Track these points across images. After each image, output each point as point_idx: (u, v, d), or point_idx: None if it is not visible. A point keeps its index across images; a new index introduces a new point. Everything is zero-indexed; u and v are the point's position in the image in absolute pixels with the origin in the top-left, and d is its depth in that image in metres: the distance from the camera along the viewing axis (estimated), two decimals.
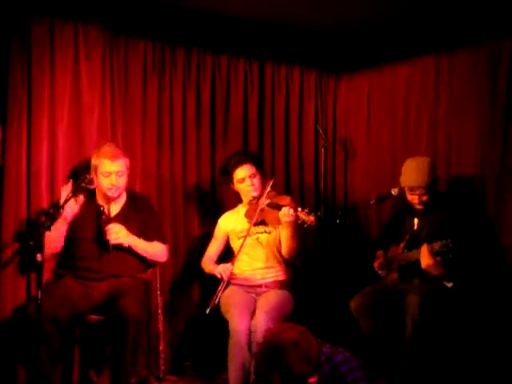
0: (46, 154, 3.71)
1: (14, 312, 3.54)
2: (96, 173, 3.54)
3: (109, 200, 3.62)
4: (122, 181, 3.59)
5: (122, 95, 4.04)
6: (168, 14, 4.11)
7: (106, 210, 3.59)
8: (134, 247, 3.59)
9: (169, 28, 4.17)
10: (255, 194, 3.84)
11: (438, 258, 3.49)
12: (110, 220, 3.56)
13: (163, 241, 3.76)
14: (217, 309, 3.68)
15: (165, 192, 4.21)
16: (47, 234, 3.13)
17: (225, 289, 3.66)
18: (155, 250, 3.71)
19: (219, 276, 3.70)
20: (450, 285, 3.59)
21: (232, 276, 3.78)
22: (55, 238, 3.46)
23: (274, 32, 4.51)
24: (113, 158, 3.52)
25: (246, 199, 3.92)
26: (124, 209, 3.67)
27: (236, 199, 4.06)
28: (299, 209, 3.59)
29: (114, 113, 3.99)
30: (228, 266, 3.72)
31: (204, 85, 4.35)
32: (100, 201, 3.64)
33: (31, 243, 3.23)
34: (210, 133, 4.38)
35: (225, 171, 3.97)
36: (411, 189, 3.73)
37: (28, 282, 3.61)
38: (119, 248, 3.54)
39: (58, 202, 3.49)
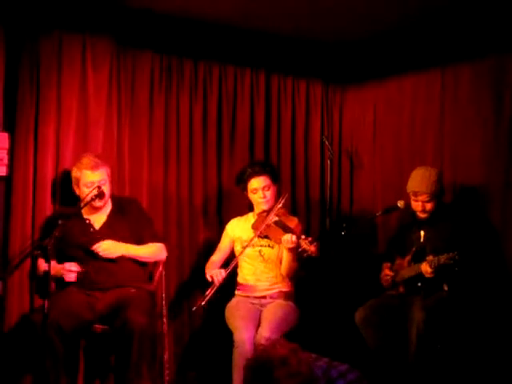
0: (52, 163, 3.74)
1: (19, 321, 3.56)
2: (78, 185, 3.54)
3: (95, 210, 3.61)
4: (106, 189, 3.58)
5: (129, 107, 4.07)
6: (175, 26, 4.15)
7: (92, 223, 3.60)
8: (128, 255, 3.59)
9: (176, 40, 4.21)
10: (265, 207, 3.85)
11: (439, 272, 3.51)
12: (97, 233, 3.57)
13: (158, 239, 3.75)
14: (220, 318, 3.71)
15: (171, 204, 4.23)
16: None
17: (215, 294, 3.65)
18: (150, 251, 3.69)
19: (210, 279, 3.73)
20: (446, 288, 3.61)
21: (238, 286, 3.82)
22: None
23: (280, 44, 4.54)
24: (93, 168, 3.52)
25: (256, 209, 3.94)
26: (110, 216, 3.66)
27: (246, 207, 4.08)
28: (303, 236, 3.60)
29: (121, 125, 4.02)
30: (221, 271, 3.73)
31: (211, 97, 4.38)
32: (84, 213, 3.62)
33: (37, 253, 3.23)
34: (216, 144, 4.41)
35: (240, 179, 3.97)
36: (415, 194, 3.74)
37: (32, 292, 3.63)
38: (112, 260, 3.54)
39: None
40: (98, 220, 3.63)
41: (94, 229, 3.60)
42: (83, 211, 3.61)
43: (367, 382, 2.51)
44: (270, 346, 2.52)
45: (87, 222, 3.61)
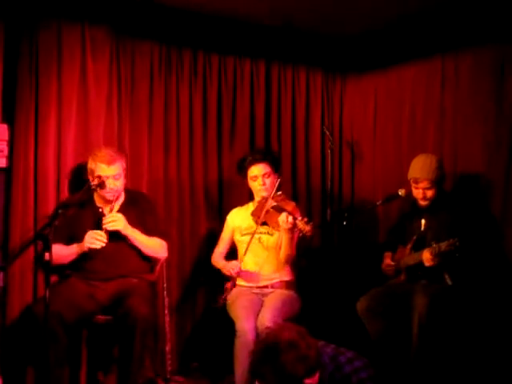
0: (53, 155, 3.73)
1: (21, 312, 3.55)
2: (93, 176, 3.53)
3: (107, 202, 3.61)
4: (120, 183, 3.59)
5: (129, 97, 4.06)
6: (174, 16, 4.13)
7: (105, 212, 3.60)
8: (132, 239, 3.58)
9: (175, 30, 4.19)
10: (265, 193, 3.85)
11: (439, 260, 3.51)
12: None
13: (164, 236, 3.75)
14: (223, 309, 3.70)
15: (172, 193, 4.22)
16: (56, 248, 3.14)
17: (233, 286, 3.73)
18: (154, 245, 3.69)
19: (229, 274, 3.76)
20: (449, 281, 3.60)
21: (239, 273, 3.82)
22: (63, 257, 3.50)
23: (280, 34, 4.53)
24: (109, 162, 3.51)
25: (256, 197, 3.94)
26: (122, 208, 3.66)
27: (247, 196, 4.08)
28: (299, 217, 3.59)
29: (121, 115, 4.01)
30: (237, 263, 3.77)
31: (210, 87, 4.37)
32: (98, 203, 3.65)
33: (39, 242, 3.23)
34: (216, 134, 4.40)
35: (241, 166, 3.98)
36: (416, 181, 3.74)
37: (35, 282, 3.63)
38: (117, 236, 3.51)
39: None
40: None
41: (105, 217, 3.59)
42: (97, 201, 3.63)
43: (374, 370, 2.51)
44: (277, 329, 2.51)
45: (100, 210, 3.61)
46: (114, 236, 3.51)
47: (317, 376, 2.43)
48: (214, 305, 3.72)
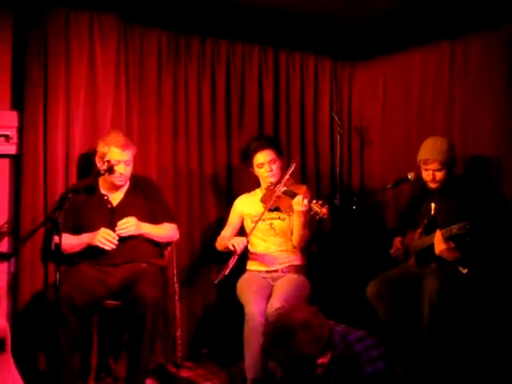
0: (62, 142, 3.73)
1: (32, 298, 3.58)
2: (103, 159, 3.52)
3: (113, 188, 3.62)
4: (130, 169, 3.61)
5: (137, 84, 4.06)
6: (182, 2, 4.12)
7: (110, 199, 3.62)
8: (146, 235, 3.61)
9: (183, 17, 4.18)
10: (273, 179, 3.85)
11: (452, 244, 3.48)
12: (115, 209, 3.58)
13: (172, 220, 3.76)
14: (233, 294, 3.71)
15: (181, 180, 4.22)
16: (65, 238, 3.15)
17: (236, 263, 3.62)
18: (166, 232, 3.72)
19: (232, 247, 3.69)
20: (465, 271, 3.57)
21: (250, 255, 3.82)
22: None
23: (288, 20, 4.50)
24: (124, 147, 3.52)
25: (263, 184, 3.93)
26: (128, 195, 3.67)
27: (255, 183, 4.07)
28: (314, 200, 3.57)
29: (130, 102, 4.01)
30: (242, 238, 3.73)
31: (219, 73, 4.36)
32: (103, 189, 3.65)
33: (49, 226, 3.24)
34: (225, 121, 4.39)
35: (245, 155, 3.98)
36: (425, 162, 3.71)
37: (45, 269, 3.65)
38: (130, 237, 3.54)
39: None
40: (115, 197, 3.65)
41: (111, 205, 3.62)
42: (101, 188, 3.62)
43: (384, 348, 2.51)
44: (289, 309, 2.51)
45: (105, 198, 3.62)
46: None
47: (329, 355, 2.44)
48: (215, 280, 3.62)
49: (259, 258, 3.87)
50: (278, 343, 2.37)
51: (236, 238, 3.78)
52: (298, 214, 3.69)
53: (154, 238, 3.67)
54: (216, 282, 3.56)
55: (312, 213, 3.55)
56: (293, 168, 3.78)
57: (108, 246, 3.44)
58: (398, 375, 2.94)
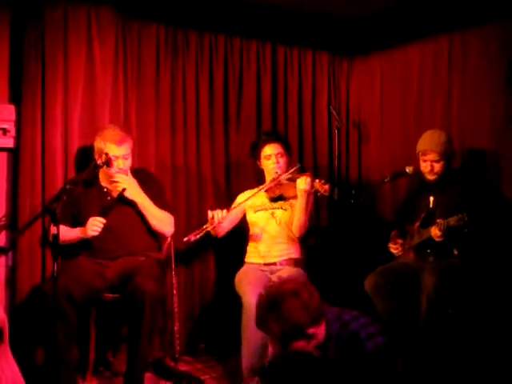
0: (60, 136, 3.73)
1: (30, 291, 3.58)
2: (100, 155, 3.52)
3: (112, 182, 3.61)
4: (128, 163, 3.61)
5: (135, 79, 4.06)
6: None
7: (110, 191, 3.61)
8: (140, 205, 3.60)
9: (181, 12, 4.17)
10: (279, 170, 3.89)
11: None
12: (114, 201, 3.57)
13: (169, 210, 3.75)
14: (230, 289, 3.72)
15: (179, 176, 4.22)
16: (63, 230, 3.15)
17: (206, 234, 3.66)
18: (162, 217, 3.69)
19: (210, 215, 3.69)
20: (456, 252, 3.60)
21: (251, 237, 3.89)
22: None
23: (286, 15, 4.50)
24: (119, 142, 3.51)
25: (269, 177, 3.95)
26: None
27: (254, 179, 4.10)
28: (317, 180, 3.68)
29: (127, 96, 4.01)
30: (224, 211, 3.70)
31: (217, 68, 4.36)
32: (103, 182, 3.65)
33: (47, 217, 3.24)
34: (223, 116, 4.39)
35: (255, 146, 4.04)
36: (424, 153, 3.71)
37: (43, 262, 3.65)
38: (125, 201, 3.53)
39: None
40: (115, 189, 3.62)
41: (111, 197, 3.61)
42: (101, 180, 3.63)
43: (380, 325, 2.51)
44: (279, 282, 2.55)
45: (105, 190, 3.62)
46: (123, 213, 3.54)
47: (322, 327, 2.44)
48: (186, 238, 3.62)
49: (257, 237, 3.90)
50: (268, 311, 2.41)
51: (218, 210, 3.74)
52: (301, 194, 3.74)
53: (147, 216, 3.63)
54: (184, 240, 3.60)
55: (313, 190, 3.66)
56: (296, 167, 3.85)
57: (98, 228, 3.42)
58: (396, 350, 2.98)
